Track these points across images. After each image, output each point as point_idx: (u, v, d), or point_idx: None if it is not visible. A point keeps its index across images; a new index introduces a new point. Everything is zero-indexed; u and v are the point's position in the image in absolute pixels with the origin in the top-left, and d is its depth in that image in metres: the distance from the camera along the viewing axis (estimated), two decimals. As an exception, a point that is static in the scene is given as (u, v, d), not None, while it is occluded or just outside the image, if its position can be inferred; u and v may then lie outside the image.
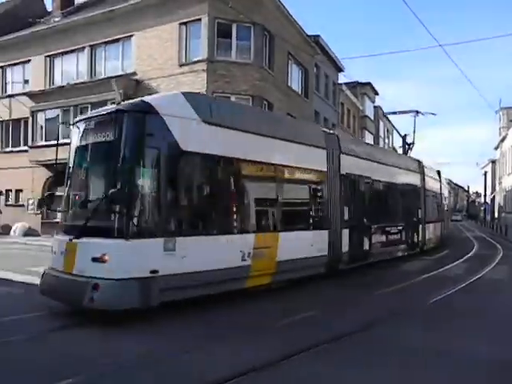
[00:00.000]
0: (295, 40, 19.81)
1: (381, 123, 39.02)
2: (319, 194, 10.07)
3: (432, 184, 18.30)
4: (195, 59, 16.48)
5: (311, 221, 9.75)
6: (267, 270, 8.13)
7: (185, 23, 16.64)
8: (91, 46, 18.71)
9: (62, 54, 19.25)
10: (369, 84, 35.21)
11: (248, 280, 7.74)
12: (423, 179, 16.63)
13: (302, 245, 9.01)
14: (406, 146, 23.00)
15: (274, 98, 17.83)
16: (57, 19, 20.39)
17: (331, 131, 11.86)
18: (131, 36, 17.63)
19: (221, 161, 7.42)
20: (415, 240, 15.20)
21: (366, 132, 34.22)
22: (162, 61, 16.76)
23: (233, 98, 16.07)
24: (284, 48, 18.84)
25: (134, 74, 16.86)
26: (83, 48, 18.81)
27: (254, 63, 16.84)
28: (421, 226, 15.87)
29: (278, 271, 8.29)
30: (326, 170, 10.04)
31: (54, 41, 19.38)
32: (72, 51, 19.15)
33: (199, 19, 16.30)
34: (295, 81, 20.83)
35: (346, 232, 10.52)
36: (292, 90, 20.27)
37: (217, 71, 16.27)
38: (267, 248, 8.09)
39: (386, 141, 41.00)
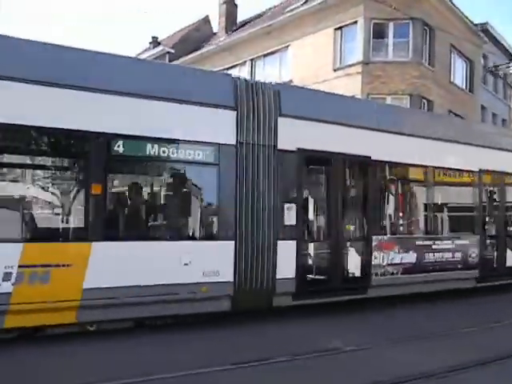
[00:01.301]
0: (459, 31, 18.28)
1: None
2: (209, 183, 6.32)
3: None
4: (350, 63, 16.53)
5: (188, 225, 6.32)
6: (58, 302, 5.13)
7: (340, 28, 16.84)
8: (251, 60, 20.28)
9: (227, 68, 21.22)
10: (550, 71, 30.21)
11: (8, 317, 4.99)
12: None
13: (158, 264, 5.65)
14: None
15: (434, 95, 16.77)
16: (222, 39, 22.63)
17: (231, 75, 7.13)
18: (288, 46, 18.56)
19: None
20: (506, 262, 9.47)
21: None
22: (316, 67, 17.22)
23: (389, 99, 15.65)
24: (446, 41, 17.56)
25: (291, 81, 17.68)
26: (245, 62, 20.50)
27: (413, 60, 16.14)
28: None
29: (87, 305, 5.28)
30: (220, 141, 6.19)
31: (220, 58, 21.53)
32: (235, 66, 21.03)
33: (355, 22, 16.32)
34: (459, 74, 19.21)
35: (289, 245, 6.57)
36: (454, 85, 18.74)
37: (372, 72, 16.04)
38: (59, 267, 5.16)
39: None
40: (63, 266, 5.25)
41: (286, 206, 6.63)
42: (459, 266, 8.68)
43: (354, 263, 7.42)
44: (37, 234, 5.41)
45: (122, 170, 6.16)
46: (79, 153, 5.69)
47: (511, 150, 9.85)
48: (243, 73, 20.47)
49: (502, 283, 9.46)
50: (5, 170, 5.49)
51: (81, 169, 5.67)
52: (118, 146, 5.64)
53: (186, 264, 5.82)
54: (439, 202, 8.93)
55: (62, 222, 5.68)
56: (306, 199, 7.26)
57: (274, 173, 6.54)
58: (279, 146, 6.60)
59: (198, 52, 23.26)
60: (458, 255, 8.67)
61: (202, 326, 6.07)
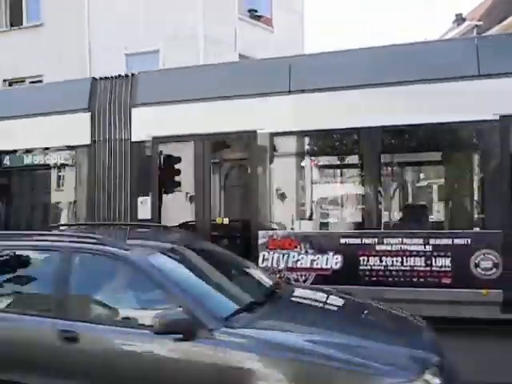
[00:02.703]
0: None
1: None
2: (69, 184, 7.00)
3: None
4: None
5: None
6: None
7: None
8: None
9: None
10: None
11: None
12: None
13: None
14: None
15: None
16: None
17: None
18: None
19: None
20: None
21: None
22: None
23: None
24: None
25: None
26: None
27: None
28: None
29: None
30: (76, 143, 6.83)
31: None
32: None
33: None
34: None
35: None
36: None
37: None
38: None
39: None
40: None
41: (140, 199, 6.55)
42: (448, 282, 5.48)
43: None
44: None
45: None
46: None
47: None
48: None
49: None
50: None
51: None
52: None
53: None
54: (400, 182, 6.84)
55: None
56: (166, 191, 6.82)
57: (131, 167, 6.60)
58: (133, 139, 6.60)
59: (510, 18, 23.30)
60: (446, 263, 5.49)
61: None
